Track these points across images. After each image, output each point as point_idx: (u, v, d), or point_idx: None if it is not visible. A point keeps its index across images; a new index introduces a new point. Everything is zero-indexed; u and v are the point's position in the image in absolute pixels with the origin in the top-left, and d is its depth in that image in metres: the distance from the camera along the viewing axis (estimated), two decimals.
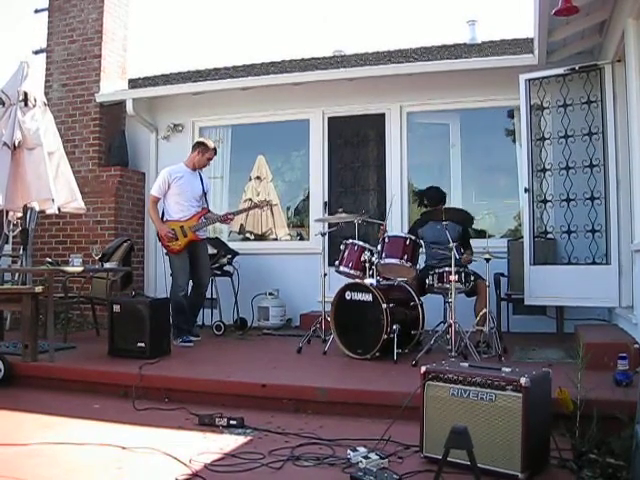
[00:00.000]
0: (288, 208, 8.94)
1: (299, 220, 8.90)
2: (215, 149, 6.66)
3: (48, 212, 6.18)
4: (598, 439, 3.14)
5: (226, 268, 7.49)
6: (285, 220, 8.88)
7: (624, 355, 4.17)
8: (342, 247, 6.03)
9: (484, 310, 5.39)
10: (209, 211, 6.64)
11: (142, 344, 5.41)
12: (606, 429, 3.16)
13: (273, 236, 8.74)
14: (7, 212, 6.34)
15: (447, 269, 5.47)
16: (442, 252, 5.58)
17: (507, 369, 3.16)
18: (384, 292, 5.38)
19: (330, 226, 6.97)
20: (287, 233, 8.83)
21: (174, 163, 6.79)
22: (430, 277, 5.63)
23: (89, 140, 8.43)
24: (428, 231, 6.11)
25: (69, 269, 5.94)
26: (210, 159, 6.62)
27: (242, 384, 4.55)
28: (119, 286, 7.05)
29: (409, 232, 6.19)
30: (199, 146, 6.58)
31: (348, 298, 5.54)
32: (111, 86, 8.56)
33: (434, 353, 5.24)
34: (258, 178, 8.77)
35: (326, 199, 8.08)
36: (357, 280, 5.71)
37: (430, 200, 6.35)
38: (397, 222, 7.69)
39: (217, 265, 7.44)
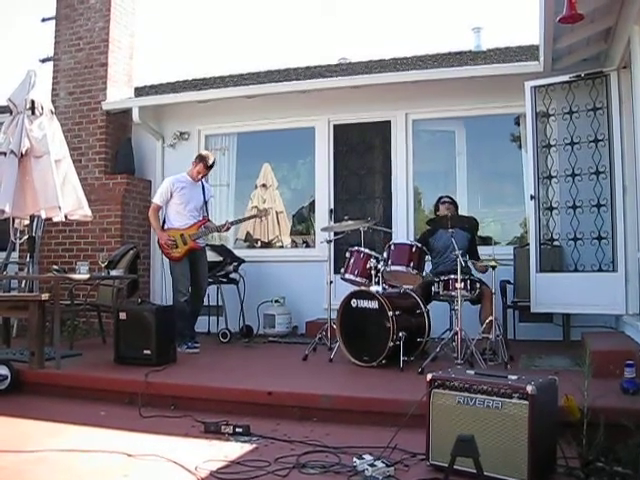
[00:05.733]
0: (294, 215, 8.95)
1: (304, 228, 8.91)
2: (206, 163, 6.57)
3: (55, 220, 6.19)
4: (605, 447, 3.12)
5: (232, 275, 7.49)
6: (291, 227, 8.89)
7: (631, 363, 4.15)
8: (348, 254, 6.04)
9: (490, 318, 5.38)
10: (209, 220, 6.74)
11: (148, 351, 5.42)
12: (613, 437, 3.14)
13: (279, 244, 8.76)
14: (14, 220, 6.36)
15: (453, 276, 5.47)
16: (453, 262, 5.58)
17: (513, 377, 3.15)
18: (390, 299, 5.37)
19: (336, 233, 6.97)
20: (292, 240, 8.84)
21: (180, 171, 6.86)
22: (436, 284, 5.63)
23: (95, 148, 8.45)
24: (439, 239, 6.12)
25: (75, 276, 5.96)
26: (200, 173, 6.58)
27: (248, 391, 4.55)
28: (125, 293, 7.07)
29: (419, 241, 6.19)
30: (195, 158, 6.68)
31: (354, 305, 5.54)
32: (117, 94, 8.59)
33: (440, 361, 5.23)
34: (264, 186, 8.78)
35: (332, 206, 8.08)
36: (363, 287, 5.71)
37: (437, 207, 6.36)
38: (403, 229, 7.69)
39: (223, 272, 7.45)
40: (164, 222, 6.60)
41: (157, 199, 6.61)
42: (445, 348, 5.36)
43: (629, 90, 5.81)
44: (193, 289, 6.55)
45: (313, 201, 8.62)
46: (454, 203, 6.39)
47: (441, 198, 6.43)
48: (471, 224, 6.15)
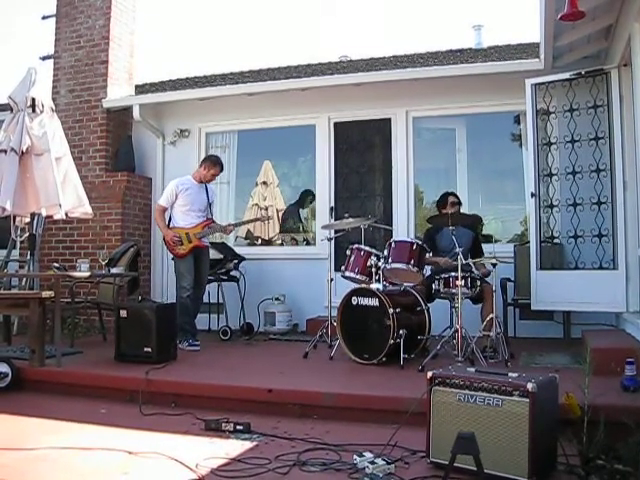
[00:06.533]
0: (283, 213, 8.91)
1: (295, 225, 8.88)
2: (222, 166, 6.85)
3: (55, 217, 6.20)
4: (605, 445, 3.12)
5: (232, 273, 7.49)
6: (280, 225, 8.87)
7: (631, 360, 4.15)
8: (348, 252, 6.04)
9: (490, 315, 5.38)
10: (213, 221, 6.83)
11: (149, 349, 5.42)
12: (613, 435, 3.14)
13: (279, 241, 8.76)
14: (14, 217, 6.36)
15: (453, 274, 5.47)
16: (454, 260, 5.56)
17: (514, 374, 3.16)
18: (390, 297, 5.37)
19: (337, 231, 6.98)
20: (282, 239, 8.84)
21: (181, 168, 6.91)
22: (436, 282, 5.63)
23: (96, 146, 8.45)
24: (444, 238, 6.10)
25: (76, 274, 5.96)
26: (215, 175, 6.81)
27: (248, 389, 4.55)
28: (126, 291, 7.08)
29: (425, 239, 6.20)
30: (206, 161, 6.82)
31: (354, 303, 5.54)
32: (118, 92, 8.59)
33: (441, 358, 5.24)
34: (265, 183, 8.79)
35: (332, 204, 8.07)
36: (363, 285, 5.71)
37: (444, 205, 6.36)
38: (403, 227, 7.69)
39: (223, 270, 7.44)
40: (169, 221, 6.71)
41: (162, 201, 6.73)
42: (446, 346, 5.36)
43: (630, 88, 5.80)
44: (193, 288, 6.58)
45: (301, 197, 8.67)
46: (460, 203, 6.38)
47: (449, 195, 6.39)
48: (473, 221, 6.14)
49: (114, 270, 6.47)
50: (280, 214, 8.85)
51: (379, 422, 3.94)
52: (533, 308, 6.39)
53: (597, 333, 5.78)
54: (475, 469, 2.60)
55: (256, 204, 8.63)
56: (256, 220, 7.81)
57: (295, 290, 7.85)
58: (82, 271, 5.94)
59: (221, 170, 6.86)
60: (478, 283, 5.56)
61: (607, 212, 6.19)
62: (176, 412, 4.37)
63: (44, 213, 6.08)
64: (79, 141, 8.41)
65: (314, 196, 8.56)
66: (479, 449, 2.59)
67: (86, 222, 7.88)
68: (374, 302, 5.41)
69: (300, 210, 8.85)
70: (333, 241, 6.93)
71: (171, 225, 6.66)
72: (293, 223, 8.83)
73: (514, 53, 8.02)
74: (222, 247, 7.69)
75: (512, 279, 6.72)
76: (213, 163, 6.75)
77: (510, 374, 3.17)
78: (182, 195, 6.60)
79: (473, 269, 5.66)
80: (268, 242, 8.79)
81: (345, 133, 8.22)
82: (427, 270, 6.01)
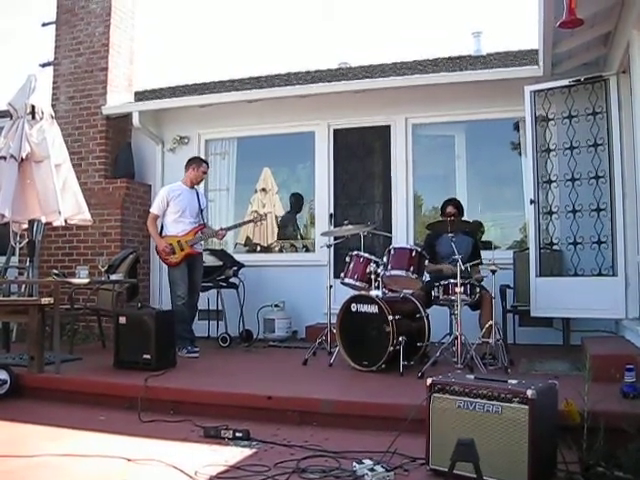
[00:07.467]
0: (280, 220, 8.91)
1: (292, 232, 8.88)
2: (207, 163, 6.96)
3: (55, 224, 6.19)
4: (605, 452, 3.11)
5: (232, 280, 7.49)
6: (277, 231, 8.86)
7: (631, 367, 4.15)
8: (348, 259, 6.03)
9: (490, 322, 5.38)
10: (205, 226, 6.81)
11: (148, 356, 5.41)
12: (613, 442, 3.14)
13: (278, 248, 8.76)
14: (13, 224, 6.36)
15: (452, 281, 5.47)
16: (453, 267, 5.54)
17: (513, 381, 3.15)
18: (390, 304, 5.36)
19: (336, 238, 6.97)
20: (292, 245, 8.84)
21: (180, 175, 6.91)
22: (436, 289, 5.62)
23: (95, 152, 8.45)
24: (444, 244, 6.09)
25: (75, 281, 5.95)
26: (205, 172, 6.88)
27: (248, 396, 4.54)
28: (125, 298, 7.07)
29: (424, 245, 6.20)
30: (191, 162, 6.85)
31: (354, 310, 5.53)
32: (117, 99, 8.60)
33: (440, 365, 5.24)
34: (264, 190, 8.79)
35: (332, 211, 8.08)
36: (363, 292, 5.70)
37: (443, 212, 6.34)
38: (402, 234, 7.69)
39: (223, 277, 7.44)
40: (162, 229, 6.69)
41: (154, 209, 6.72)
42: (445, 352, 5.35)
43: (628, 94, 5.82)
44: (188, 295, 6.56)
45: (291, 202, 8.68)
46: (459, 208, 6.35)
47: (448, 205, 6.33)
48: (472, 228, 6.12)
49: (113, 277, 6.47)
50: (278, 221, 8.83)
51: (378, 429, 3.92)
52: (532, 315, 6.39)
53: (596, 340, 5.78)
54: (475, 476, 2.59)
55: (255, 211, 8.62)
56: (248, 222, 7.67)
57: (294, 297, 7.85)
58: (81, 278, 5.94)
59: (208, 166, 6.96)
60: (477, 290, 5.56)
61: (606, 219, 6.20)
62: (175, 419, 4.36)
63: (43, 220, 6.08)
64: (78, 148, 8.42)
65: (302, 197, 8.58)
66: (479, 456, 2.58)
67: (85, 229, 7.88)
68: (373, 309, 5.40)
69: (296, 216, 8.83)
70: (332, 248, 6.93)
71: (163, 234, 6.64)
72: (293, 230, 8.83)
73: (513, 60, 8.04)
74: (221, 254, 7.69)
75: (511, 286, 6.72)
76: (199, 162, 6.86)
77: (510, 381, 3.17)
78: (173, 202, 6.59)
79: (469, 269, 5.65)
80: (267, 249, 8.78)
81: (344, 140, 8.23)
82: (426, 277, 6.01)
